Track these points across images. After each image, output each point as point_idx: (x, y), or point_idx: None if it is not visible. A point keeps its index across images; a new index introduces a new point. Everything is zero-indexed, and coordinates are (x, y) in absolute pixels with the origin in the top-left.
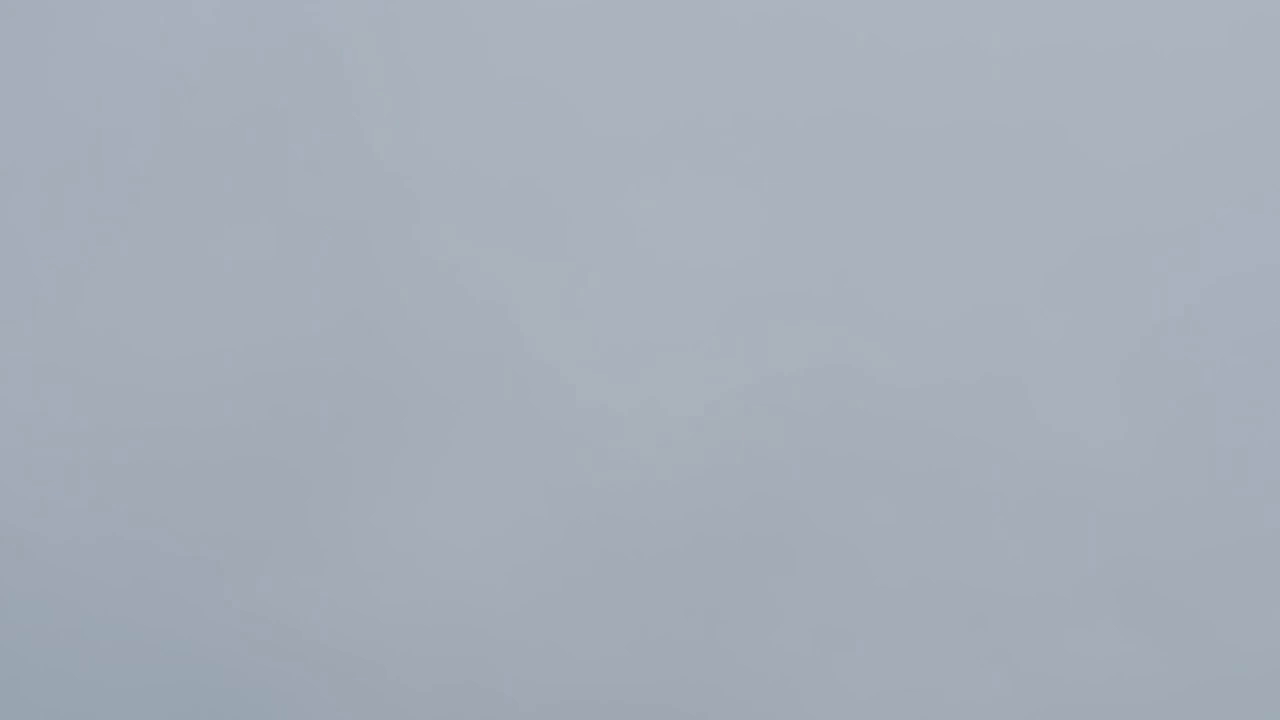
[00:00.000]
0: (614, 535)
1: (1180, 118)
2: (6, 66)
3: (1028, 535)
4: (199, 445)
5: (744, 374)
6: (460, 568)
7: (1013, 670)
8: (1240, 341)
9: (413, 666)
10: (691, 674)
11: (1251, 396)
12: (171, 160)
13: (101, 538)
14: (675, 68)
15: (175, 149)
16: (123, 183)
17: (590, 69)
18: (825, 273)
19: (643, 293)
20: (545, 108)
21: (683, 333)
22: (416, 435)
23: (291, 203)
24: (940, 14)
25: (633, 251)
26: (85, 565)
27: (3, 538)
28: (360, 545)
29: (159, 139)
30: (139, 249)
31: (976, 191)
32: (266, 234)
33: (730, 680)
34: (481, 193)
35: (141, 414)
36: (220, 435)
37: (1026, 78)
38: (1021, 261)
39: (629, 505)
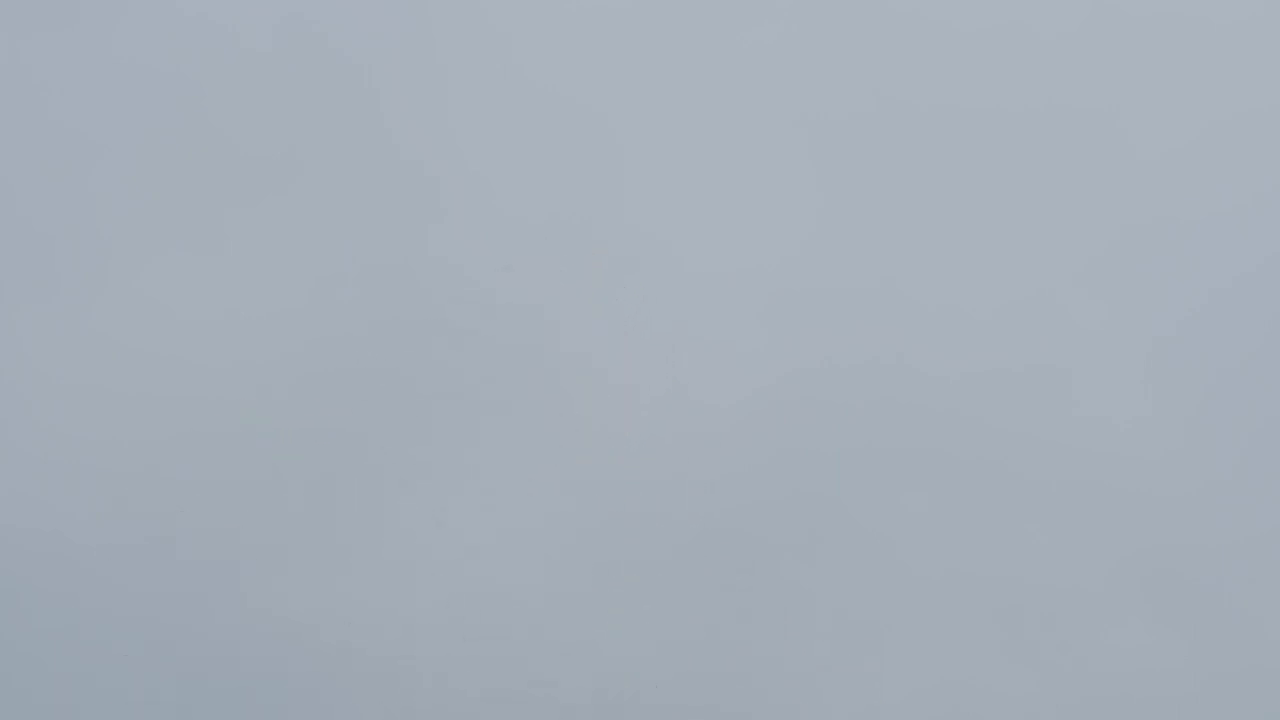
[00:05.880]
0: (647, 531)
1: (1216, 104)
2: (15, 68)
3: (1066, 527)
4: (221, 446)
5: (784, 367)
6: (488, 564)
7: (1045, 663)
8: None
9: (440, 665)
10: (723, 671)
11: None
12: (194, 163)
13: (125, 541)
14: (719, 56)
15: (198, 151)
16: (142, 184)
17: (631, 59)
18: (864, 264)
19: (682, 288)
20: (583, 99)
21: (724, 327)
22: (443, 432)
23: (315, 202)
24: (977, 2)
25: (671, 247)
26: (109, 569)
27: (20, 541)
28: (386, 543)
29: (181, 140)
30: (157, 251)
31: (1014, 180)
32: (289, 234)
33: (762, 676)
34: (513, 183)
35: (163, 418)
36: (244, 436)
37: (1066, 65)
38: (1061, 249)
39: (662, 500)
